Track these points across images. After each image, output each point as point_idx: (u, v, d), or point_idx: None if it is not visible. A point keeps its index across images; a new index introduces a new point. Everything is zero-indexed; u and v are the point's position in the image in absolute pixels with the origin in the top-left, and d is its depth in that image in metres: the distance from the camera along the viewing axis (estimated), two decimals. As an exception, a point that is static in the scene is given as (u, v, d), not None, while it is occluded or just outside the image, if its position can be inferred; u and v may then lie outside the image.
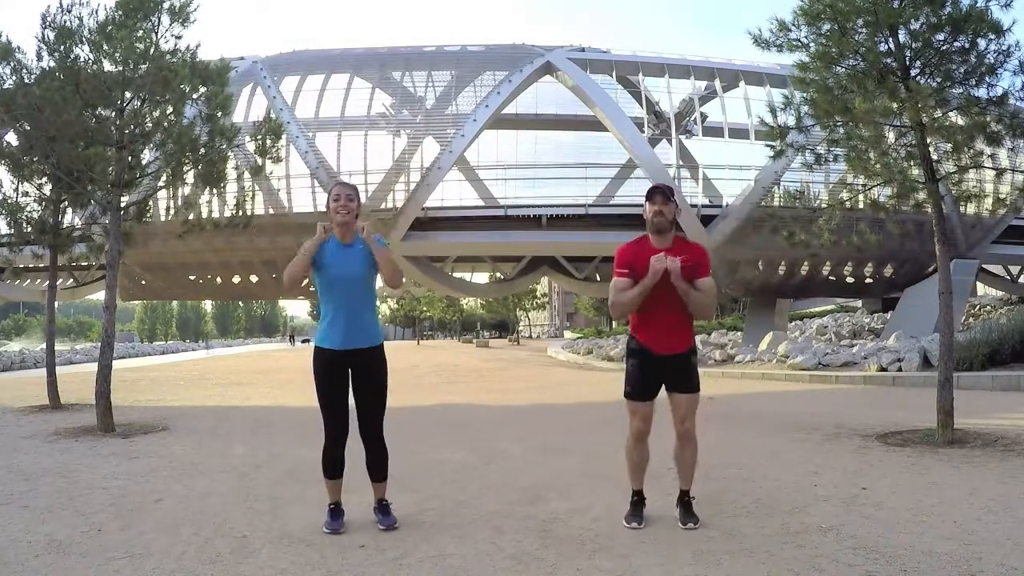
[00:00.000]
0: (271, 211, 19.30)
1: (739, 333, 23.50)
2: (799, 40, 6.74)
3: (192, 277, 23.12)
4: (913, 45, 6.44)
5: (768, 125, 7.25)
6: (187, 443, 7.00)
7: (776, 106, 7.24)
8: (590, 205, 20.91)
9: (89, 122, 8.30)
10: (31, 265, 15.53)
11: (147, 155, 9.01)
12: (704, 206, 19.64)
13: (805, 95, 6.86)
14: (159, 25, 8.25)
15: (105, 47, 8.14)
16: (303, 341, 59.51)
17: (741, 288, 21.39)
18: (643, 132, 19.72)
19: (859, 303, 31.94)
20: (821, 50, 6.61)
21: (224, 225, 10.28)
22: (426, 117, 20.45)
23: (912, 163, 6.70)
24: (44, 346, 11.57)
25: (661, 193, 3.72)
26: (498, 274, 28.41)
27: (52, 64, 8.46)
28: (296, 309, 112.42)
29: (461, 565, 3.27)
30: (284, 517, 4.14)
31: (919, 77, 6.48)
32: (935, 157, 6.70)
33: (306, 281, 3.97)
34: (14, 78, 8.74)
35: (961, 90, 6.46)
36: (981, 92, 6.45)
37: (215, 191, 9.65)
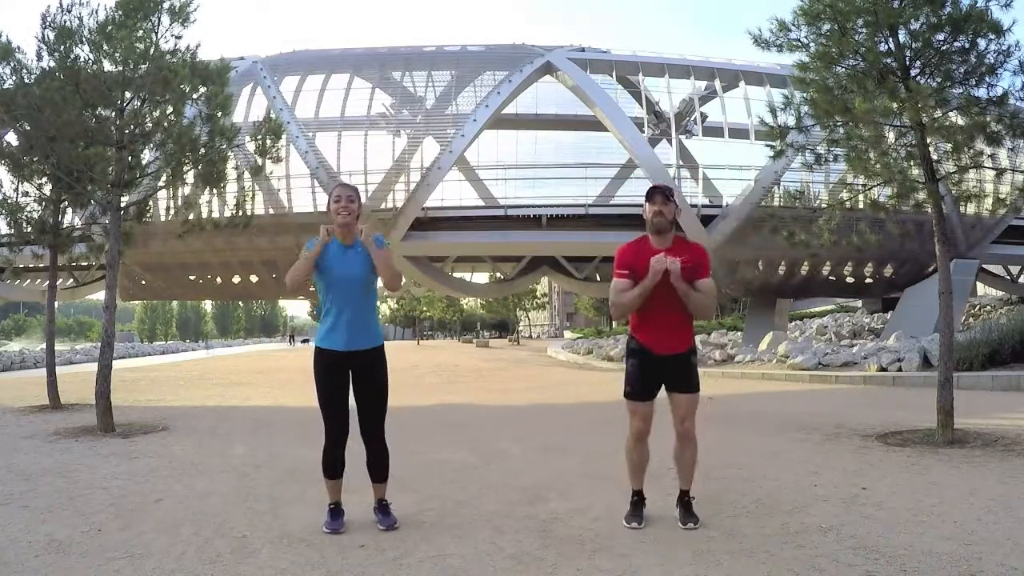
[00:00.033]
0: (271, 211, 19.29)
1: (739, 333, 23.50)
2: (799, 40, 6.74)
3: (192, 277, 23.12)
4: (913, 45, 6.44)
5: (768, 125, 7.25)
6: (187, 443, 7.00)
7: (776, 106, 7.24)
8: (590, 205, 20.91)
9: (89, 122, 8.30)
10: (31, 265, 15.53)
11: (147, 155, 9.01)
12: (704, 206, 19.63)
13: (805, 95, 6.86)
14: (159, 25, 8.25)
15: (105, 47, 8.14)
16: (303, 341, 59.49)
17: (741, 288, 21.39)
18: (643, 132, 19.72)
19: (859, 303, 31.94)
20: (821, 50, 6.61)
21: (224, 225, 10.28)
22: (426, 117, 20.45)
23: (912, 163, 6.70)
24: (44, 346, 11.57)
25: (661, 193, 3.72)
26: (498, 274, 28.41)
27: (52, 64, 8.46)
28: (296, 309, 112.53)
29: (461, 565, 3.27)
30: (284, 517, 4.14)
31: (919, 77, 6.48)
32: (935, 157, 6.70)
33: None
34: (14, 78, 8.74)
35: (961, 90, 6.47)
36: (981, 92, 6.46)
37: (215, 191, 9.65)
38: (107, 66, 8.30)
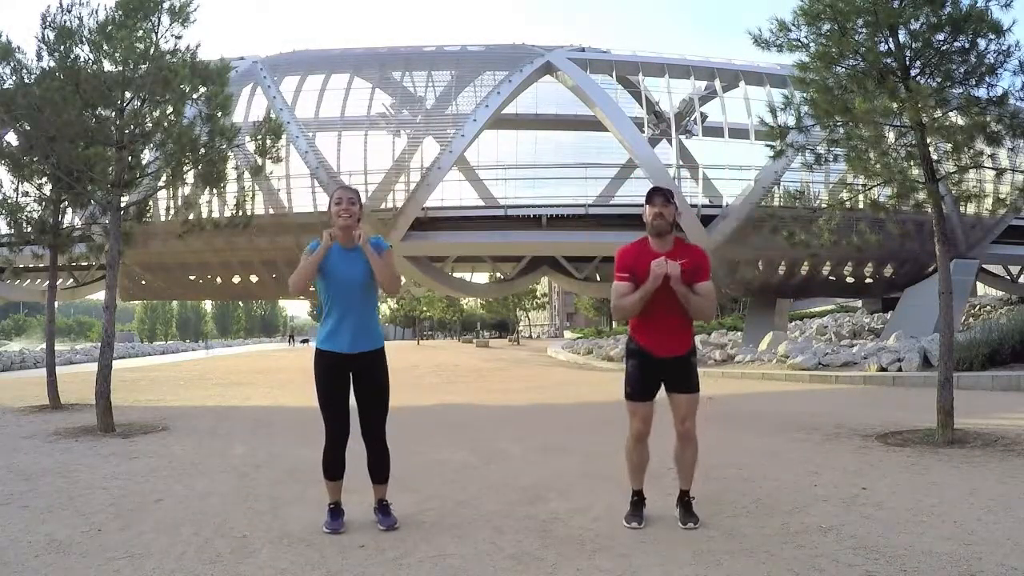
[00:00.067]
0: (271, 211, 19.29)
1: (739, 333, 23.50)
2: (799, 40, 6.74)
3: (192, 277, 23.12)
4: (913, 45, 6.44)
5: (768, 125, 7.26)
6: (187, 443, 7.00)
7: (776, 106, 7.24)
8: (590, 205, 20.91)
9: (89, 122, 8.30)
10: (31, 265, 15.54)
11: (147, 155, 9.01)
12: (704, 206, 19.63)
13: (805, 95, 6.86)
14: (159, 25, 8.25)
15: (105, 47, 8.14)
16: (302, 341, 59.43)
17: (741, 288, 21.39)
18: (643, 132, 19.72)
19: (859, 303, 31.95)
20: (821, 50, 6.61)
21: (224, 225, 10.28)
22: (426, 117, 20.45)
23: (912, 163, 6.71)
24: (44, 346, 11.57)
25: (661, 195, 3.72)
26: (498, 274, 28.42)
27: (52, 64, 8.46)
28: (296, 309, 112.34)
29: (461, 565, 3.27)
30: (284, 517, 4.14)
31: (919, 77, 6.48)
32: (935, 157, 6.70)
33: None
34: (14, 78, 8.74)
35: (961, 90, 6.47)
36: (981, 92, 6.46)
37: (215, 191, 9.65)
38: (107, 66, 8.30)
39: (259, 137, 9.00)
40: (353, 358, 3.77)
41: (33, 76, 8.57)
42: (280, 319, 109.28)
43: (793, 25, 6.71)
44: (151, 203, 13.26)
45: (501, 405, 10.80)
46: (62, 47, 8.30)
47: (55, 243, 10.50)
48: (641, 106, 21.94)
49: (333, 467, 3.85)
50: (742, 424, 7.62)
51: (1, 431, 8.03)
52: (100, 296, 16.37)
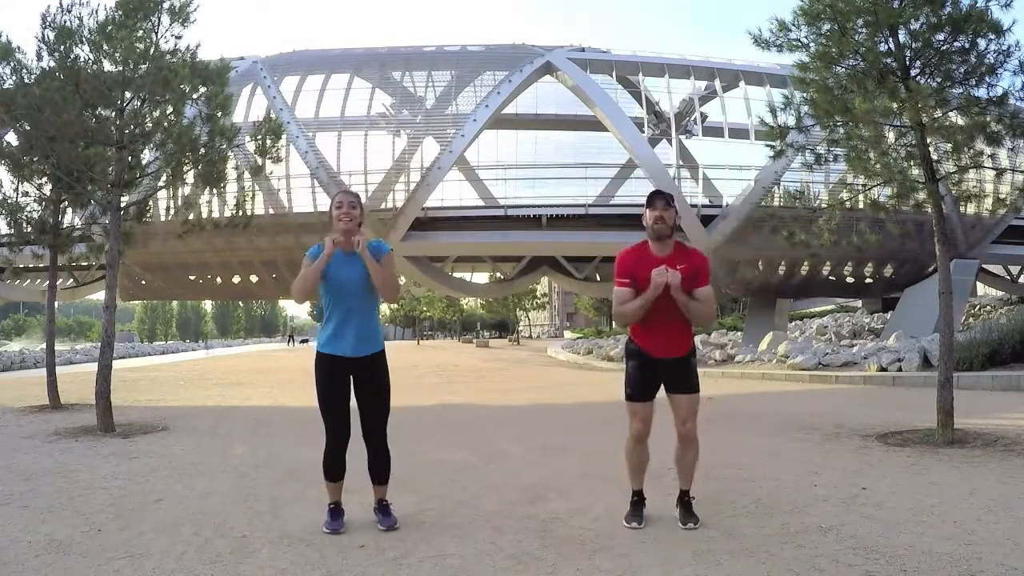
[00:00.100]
0: (271, 211, 19.29)
1: (739, 333, 23.50)
2: (799, 40, 6.74)
3: (192, 277, 23.12)
4: (913, 45, 6.44)
5: (768, 125, 7.25)
6: (187, 443, 7.00)
7: (776, 106, 7.24)
8: (590, 205, 20.91)
9: (89, 122, 8.30)
10: (31, 265, 15.54)
11: (147, 155, 9.01)
12: (704, 206, 19.63)
13: (805, 95, 6.86)
14: (159, 25, 8.25)
15: (105, 47, 8.14)
16: (302, 341, 59.37)
17: (741, 288, 21.39)
18: (643, 132, 19.72)
19: (859, 303, 31.95)
20: (821, 50, 6.61)
21: (224, 225, 10.28)
22: (426, 117, 20.45)
23: (912, 163, 6.71)
24: (44, 346, 11.57)
25: (662, 198, 3.70)
26: (498, 274, 28.43)
27: (52, 64, 8.46)
28: (296, 309, 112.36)
29: (461, 565, 3.27)
30: (284, 517, 4.14)
31: (919, 77, 6.48)
32: (935, 157, 6.70)
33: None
34: (14, 78, 8.74)
35: (961, 90, 6.47)
36: (981, 92, 6.46)
37: (215, 191, 9.65)
38: (107, 66, 8.31)
39: (259, 137, 9.00)
40: (355, 362, 3.77)
41: (33, 76, 8.58)
42: (280, 319, 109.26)
43: (793, 25, 6.71)
44: (151, 203, 13.26)
45: (501, 405, 10.80)
46: (62, 47, 8.30)
47: (55, 243, 10.50)
48: (641, 106, 21.94)
49: (334, 469, 3.85)
50: (742, 424, 7.62)
51: (1, 431, 8.03)
52: (100, 296, 16.38)
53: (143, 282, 23.14)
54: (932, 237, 7.00)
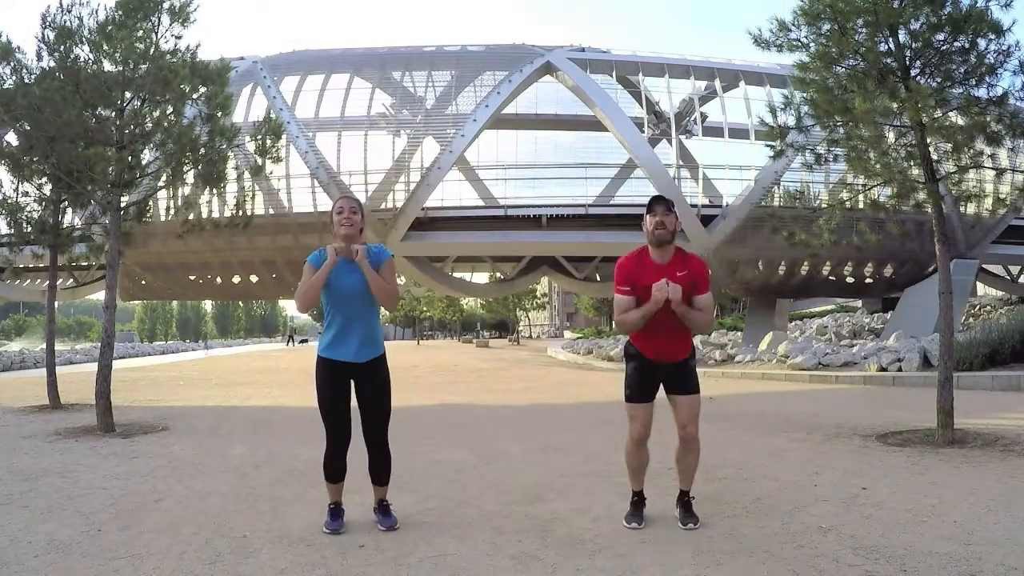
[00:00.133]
0: (271, 211, 19.28)
1: (739, 333, 23.50)
2: (799, 40, 6.74)
3: (192, 277, 23.11)
4: (913, 45, 6.44)
5: (768, 125, 7.26)
6: (187, 443, 7.00)
7: (776, 106, 7.25)
8: (590, 205, 20.91)
9: (89, 122, 8.31)
10: (31, 265, 15.54)
11: (147, 155, 9.01)
12: (704, 206, 19.62)
13: (805, 95, 6.86)
14: (159, 25, 8.25)
15: (105, 47, 8.14)
16: (301, 341, 59.33)
17: (741, 288, 21.38)
18: (643, 132, 19.72)
19: (859, 303, 31.96)
20: (821, 50, 6.62)
21: (224, 225, 10.28)
22: (426, 117, 20.44)
23: (912, 163, 6.71)
24: (44, 346, 11.57)
25: (663, 204, 3.69)
26: (498, 274, 28.43)
27: (52, 64, 8.47)
28: (296, 309, 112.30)
29: (461, 565, 3.27)
30: (284, 517, 4.14)
31: (919, 77, 6.49)
32: (935, 157, 6.70)
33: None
34: (14, 78, 8.74)
35: (961, 90, 6.47)
36: (981, 92, 6.47)
37: (215, 191, 9.65)
38: (107, 66, 8.31)
39: (259, 137, 9.01)
40: (357, 367, 3.77)
41: (33, 76, 8.58)
42: (280, 319, 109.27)
43: (793, 25, 6.72)
44: (151, 203, 13.27)
45: (501, 405, 10.80)
46: (62, 47, 8.30)
47: (55, 243, 10.50)
48: (641, 106, 21.93)
49: (334, 471, 3.85)
50: (742, 424, 7.62)
51: (1, 431, 8.04)
52: (100, 296, 16.38)
53: (143, 282, 23.14)
54: (932, 237, 7.00)
